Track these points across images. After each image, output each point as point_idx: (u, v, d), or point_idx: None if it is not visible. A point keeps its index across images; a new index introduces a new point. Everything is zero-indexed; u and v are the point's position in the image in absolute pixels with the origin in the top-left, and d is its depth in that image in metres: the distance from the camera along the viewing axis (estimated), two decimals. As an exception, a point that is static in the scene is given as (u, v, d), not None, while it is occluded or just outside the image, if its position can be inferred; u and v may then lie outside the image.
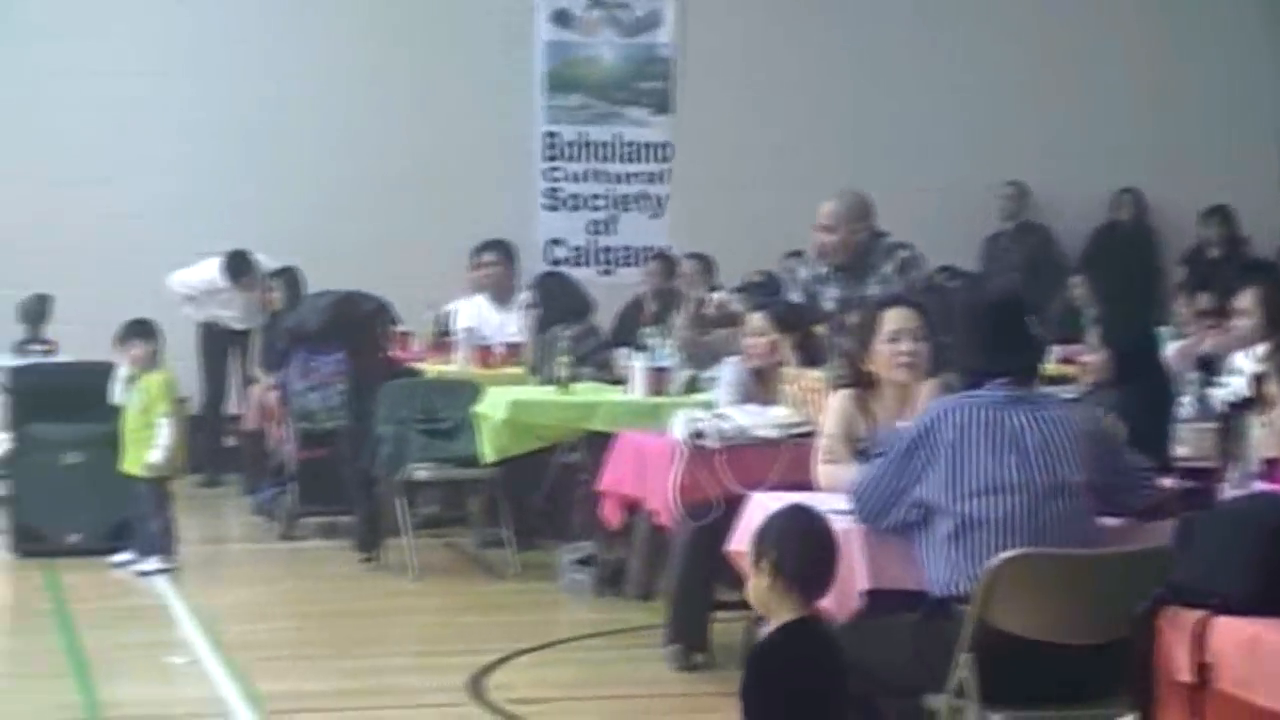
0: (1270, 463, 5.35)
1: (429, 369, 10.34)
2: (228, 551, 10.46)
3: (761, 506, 5.10)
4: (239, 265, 11.97)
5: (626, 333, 10.68)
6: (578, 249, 13.69)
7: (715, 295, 9.51)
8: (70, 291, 11.50)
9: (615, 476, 7.45)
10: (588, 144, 13.69)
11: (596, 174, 13.73)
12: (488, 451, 8.72)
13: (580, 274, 11.99)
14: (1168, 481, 5.21)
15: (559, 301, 10.24)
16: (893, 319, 5.81)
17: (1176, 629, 4.14)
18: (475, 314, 10.82)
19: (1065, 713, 4.78)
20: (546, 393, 8.98)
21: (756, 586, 4.25)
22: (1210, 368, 5.95)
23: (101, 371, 9.35)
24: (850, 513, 5.05)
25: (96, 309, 10.73)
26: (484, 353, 10.39)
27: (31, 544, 9.50)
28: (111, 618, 8.14)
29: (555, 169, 13.67)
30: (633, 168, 13.77)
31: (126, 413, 9.19)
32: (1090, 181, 13.88)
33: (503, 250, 11.08)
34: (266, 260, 11.80)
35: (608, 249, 13.74)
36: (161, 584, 8.83)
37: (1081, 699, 4.73)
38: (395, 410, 9.19)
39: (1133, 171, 13.95)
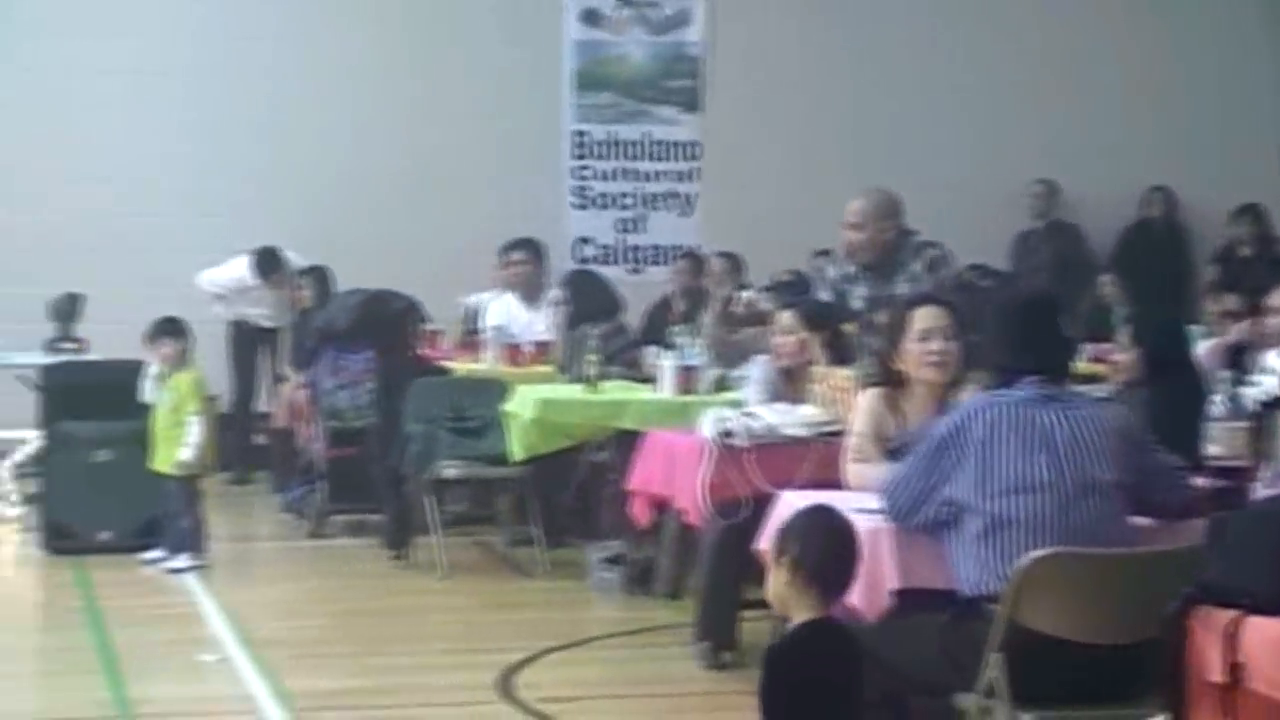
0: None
1: (458, 367, 10.35)
2: (257, 549, 10.48)
3: (790, 505, 5.08)
4: (269, 262, 12.00)
5: (655, 331, 10.68)
6: (606, 247, 13.69)
7: (744, 294, 9.50)
8: (101, 290, 11.54)
9: (644, 475, 7.45)
10: (617, 142, 13.69)
11: (625, 172, 13.73)
12: (516, 450, 8.73)
13: (609, 272, 11.98)
14: (1199, 480, 5.19)
15: (588, 300, 10.24)
16: (923, 317, 5.79)
17: (1208, 629, 4.13)
18: (504, 312, 10.83)
19: (1095, 713, 4.76)
20: (575, 391, 8.97)
21: (776, 583, 4.25)
22: (1240, 362, 5.93)
23: (132, 370, 9.38)
24: (880, 511, 5.04)
25: (127, 307, 10.76)
26: (513, 351, 10.40)
27: (62, 541, 9.54)
28: (141, 615, 8.16)
29: (584, 167, 13.68)
30: (661, 166, 13.77)
31: (156, 411, 9.22)
32: (1120, 179, 13.83)
33: (532, 249, 11.08)
34: (296, 258, 11.83)
35: (636, 247, 13.75)
36: (191, 581, 8.85)
37: (1112, 699, 4.72)
38: (424, 409, 9.20)
39: (1163, 169, 13.90)
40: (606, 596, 8.43)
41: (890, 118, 13.70)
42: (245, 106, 12.87)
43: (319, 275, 11.21)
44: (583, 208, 13.67)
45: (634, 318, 11.26)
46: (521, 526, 9.26)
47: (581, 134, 13.64)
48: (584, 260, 13.25)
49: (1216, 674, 4.09)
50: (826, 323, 7.35)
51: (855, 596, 4.74)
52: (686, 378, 8.60)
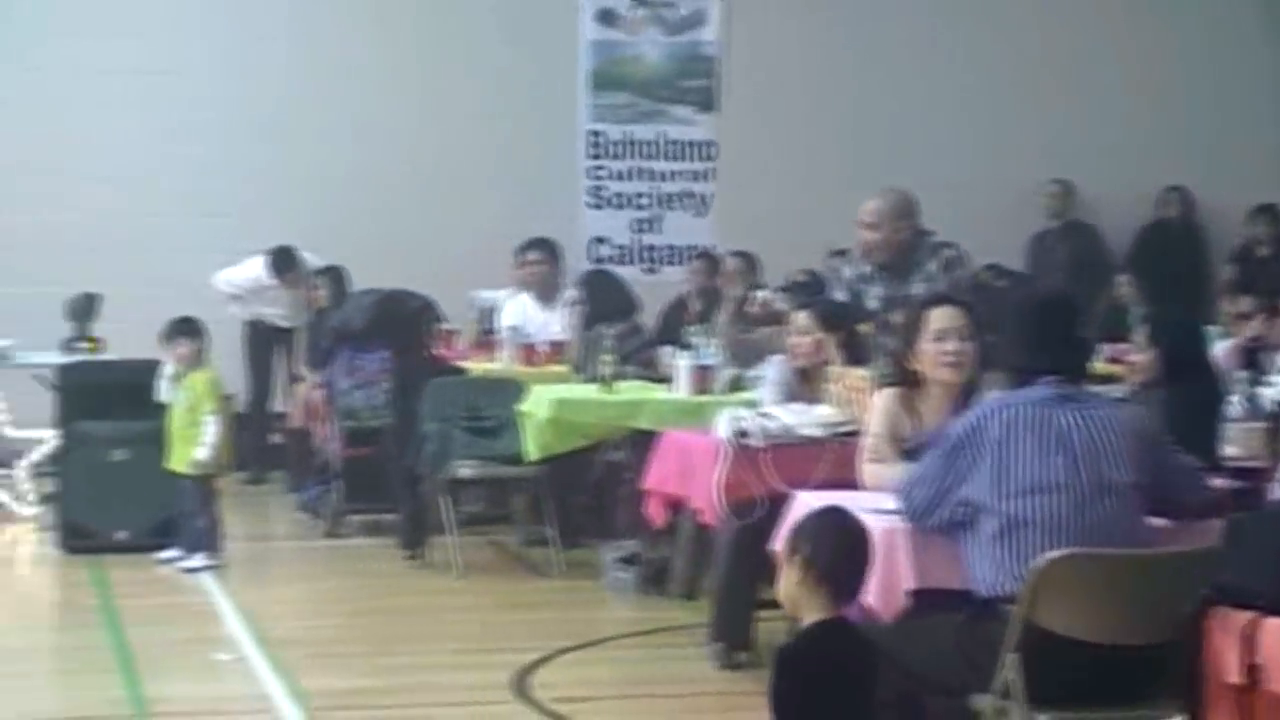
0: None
1: (473, 367, 10.35)
2: (273, 549, 10.49)
3: (805, 506, 5.08)
4: (284, 261, 12.01)
5: (671, 331, 10.67)
6: (622, 247, 13.69)
7: (760, 294, 9.49)
8: (117, 290, 11.55)
9: (659, 475, 7.44)
10: (632, 142, 13.69)
11: (641, 172, 13.73)
12: (532, 450, 8.73)
13: (624, 272, 11.97)
14: (1217, 481, 5.18)
15: (604, 300, 10.23)
16: (939, 318, 5.78)
17: (1225, 630, 4.12)
18: (520, 312, 10.83)
19: (1112, 714, 4.75)
20: (591, 391, 8.97)
21: (787, 583, 4.25)
22: (1257, 362, 5.92)
23: (148, 369, 9.40)
24: (896, 512, 5.04)
25: (143, 307, 10.77)
26: (528, 351, 10.41)
27: (79, 540, 9.56)
28: (157, 614, 8.17)
29: (600, 167, 13.67)
30: (677, 166, 13.77)
31: (172, 410, 9.23)
32: (1137, 180, 13.80)
33: (547, 249, 11.08)
34: (312, 258, 11.84)
35: (652, 247, 13.74)
36: (207, 580, 8.87)
37: (1128, 700, 4.71)
38: (440, 408, 9.20)
39: (1180, 169, 13.87)
40: (621, 596, 8.43)
41: (903, 119, 13.67)
42: (263, 108, 12.85)
43: (335, 275, 11.21)
44: (598, 208, 13.67)
45: (649, 318, 11.25)
46: (536, 526, 9.26)
47: (597, 134, 13.64)
48: (599, 260, 13.24)
49: (1234, 675, 4.08)
50: (842, 323, 7.34)
51: (871, 596, 4.74)
52: (702, 378, 8.60)
